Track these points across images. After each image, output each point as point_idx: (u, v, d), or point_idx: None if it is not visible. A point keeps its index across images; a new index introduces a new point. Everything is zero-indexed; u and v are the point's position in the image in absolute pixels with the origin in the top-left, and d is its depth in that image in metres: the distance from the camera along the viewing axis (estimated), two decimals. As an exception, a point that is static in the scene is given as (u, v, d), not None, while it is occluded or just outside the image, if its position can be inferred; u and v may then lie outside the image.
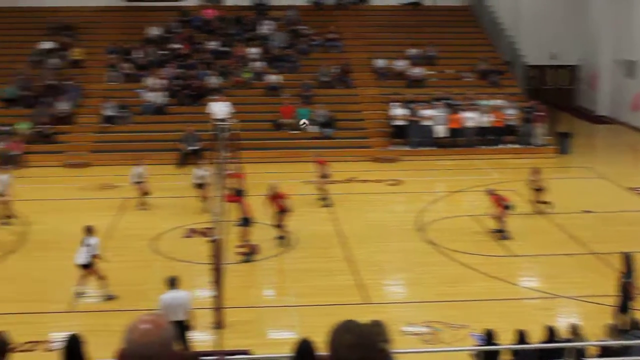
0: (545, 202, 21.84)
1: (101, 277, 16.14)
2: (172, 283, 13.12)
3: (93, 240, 15.97)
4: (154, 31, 34.76)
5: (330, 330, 3.38)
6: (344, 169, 26.22)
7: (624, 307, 13.83)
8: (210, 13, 35.91)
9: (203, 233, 19.82)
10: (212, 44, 34.18)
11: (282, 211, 19.22)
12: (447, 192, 25.42)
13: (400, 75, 33.23)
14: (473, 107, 30.54)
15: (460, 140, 30.16)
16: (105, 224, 21.03)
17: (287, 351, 13.39)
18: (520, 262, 18.72)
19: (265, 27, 35.25)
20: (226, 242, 17.51)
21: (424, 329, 14.39)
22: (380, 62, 33.70)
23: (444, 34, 35.60)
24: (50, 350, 13.80)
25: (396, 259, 18.84)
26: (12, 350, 7.84)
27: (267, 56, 33.74)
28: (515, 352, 11.59)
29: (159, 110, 30.80)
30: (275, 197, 19.23)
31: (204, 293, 15.24)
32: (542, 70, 40.59)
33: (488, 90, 32.33)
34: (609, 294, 14.56)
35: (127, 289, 16.68)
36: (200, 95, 31.16)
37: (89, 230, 16.09)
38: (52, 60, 32.97)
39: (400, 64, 33.59)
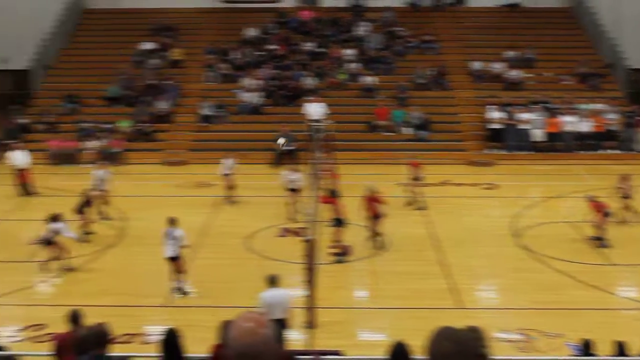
0: (633, 210, 21.12)
1: (182, 271, 16.40)
2: (273, 281, 13.25)
3: (178, 232, 16.22)
4: (251, 32, 35.19)
5: (428, 338, 3.33)
6: (438, 172, 25.99)
7: None
8: (307, 14, 36.13)
9: (297, 233, 19.96)
10: (308, 45, 34.39)
11: (376, 216, 19.09)
12: (544, 198, 24.91)
13: (497, 77, 32.74)
14: (572, 111, 29.86)
15: (558, 144, 29.52)
16: (200, 222, 21.42)
17: (379, 353, 13.39)
18: (619, 271, 18.21)
19: (362, 29, 35.26)
20: (319, 242, 17.60)
21: (518, 337, 14.13)
22: (476, 65, 33.29)
23: (543, 36, 34.88)
24: (146, 343, 14.12)
25: (490, 264, 18.57)
26: (112, 341, 8.07)
27: (363, 57, 33.74)
28: (614, 364, 11.25)
29: (255, 110, 31.17)
30: (371, 201, 19.08)
31: (297, 292, 15.31)
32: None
33: (588, 93, 31.56)
34: None
35: (221, 286, 16.93)
36: (296, 96, 31.39)
37: (173, 222, 16.35)
38: (152, 60, 33.76)
39: (498, 67, 33.10)
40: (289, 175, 21.99)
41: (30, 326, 14.77)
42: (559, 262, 18.09)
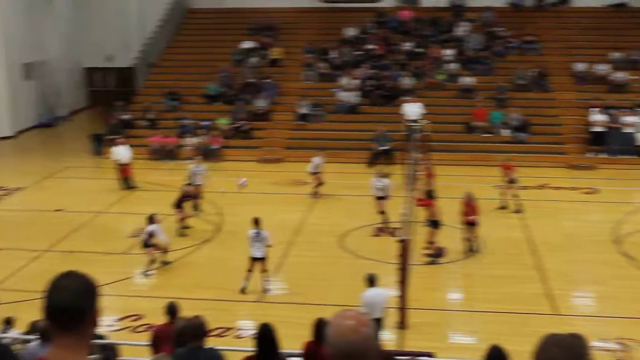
0: None
1: (265, 270, 16.54)
2: (372, 281, 13.26)
3: (264, 233, 16.37)
4: (350, 32, 35.25)
5: (537, 344, 3.28)
6: (536, 175, 25.51)
7: None
8: (406, 14, 35.97)
9: (391, 233, 19.91)
10: (407, 45, 34.22)
11: (471, 223, 18.74)
12: (647, 204, 24.14)
13: (601, 79, 31.87)
14: (679, 115, 28.83)
15: (664, 149, 28.56)
16: (294, 219, 21.61)
17: (470, 356, 13.24)
18: None
19: (461, 29, 34.89)
20: (413, 243, 17.52)
21: (616, 346, 13.74)
22: (580, 66, 32.48)
23: (651, 37, 33.80)
24: (239, 337, 14.33)
25: (588, 271, 18.11)
26: (208, 334, 8.20)
27: (462, 58, 33.37)
28: None
29: (352, 109, 31.21)
30: (468, 206, 18.71)
31: (389, 293, 15.26)
32: None
33: (696, 97, 30.40)
34: None
35: (314, 284, 17.04)
36: (393, 96, 31.28)
37: (257, 223, 16.50)
38: (252, 59, 34.20)
39: (602, 68, 32.21)
40: (376, 181, 21.26)
41: (128, 316, 15.18)
42: (661, 271, 17.52)
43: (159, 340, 9.74)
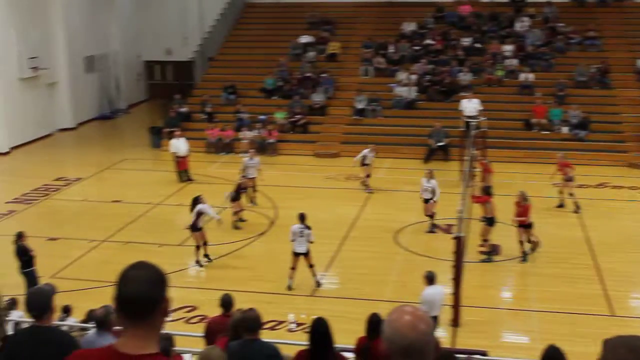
0: None
1: (311, 264, 16.56)
2: (432, 279, 13.20)
3: (308, 229, 16.36)
4: (409, 27, 35.07)
5: (603, 345, 3.22)
6: (595, 173, 25.11)
7: None
8: (466, 9, 35.66)
9: (446, 229, 19.80)
10: (466, 41, 33.93)
11: (525, 225, 18.19)
12: None
13: (664, 76, 31.22)
14: None
15: None
16: (349, 214, 21.62)
17: (523, 356, 13.11)
18: None
19: (521, 24, 34.45)
20: (468, 240, 17.40)
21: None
22: (642, 63, 31.85)
23: None
24: (292, 331, 14.40)
25: (647, 272, 17.77)
26: (262, 327, 8.25)
27: (521, 54, 32.96)
28: None
29: (409, 105, 31.06)
30: (520, 207, 18.20)
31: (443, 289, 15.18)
32: None
33: None
34: None
35: (368, 279, 17.05)
36: (451, 92, 31.06)
37: (303, 218, 16.50)
38: (309, 53, 34.26)
39: (666, 65, 31.55)
40: (425, 182, 20.56)
41: (183, 307, 15.36)
42: None
43: (213, 331, 9.82)
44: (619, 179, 25.32)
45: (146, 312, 3.18)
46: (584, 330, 14.14)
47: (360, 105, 30.92)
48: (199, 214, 17.83)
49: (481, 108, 27.66)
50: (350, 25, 36.25)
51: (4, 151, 29.87)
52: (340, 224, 20.70)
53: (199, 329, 10.76)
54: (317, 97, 31.60)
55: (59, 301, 13.20)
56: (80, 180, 25.99)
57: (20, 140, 30.94)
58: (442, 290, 13.44)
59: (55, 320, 10.58)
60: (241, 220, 20.93)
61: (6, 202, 23.36)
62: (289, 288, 16.47)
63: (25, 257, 15.57)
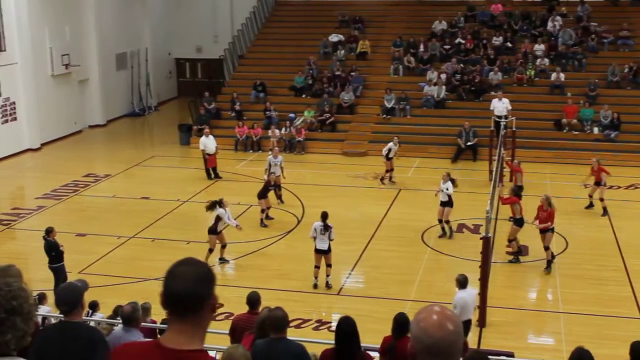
0: None
1: (329, 264, 16.52)
2: (464, 283, 13.07)
3: (330, 226, 16.30)
4: (440, 25, 34.92)
5: (631, 347, 3.19)
6: (626, 175, 24.83)
7: None
8: (498, 8, 35.45)
9: (473, 229, 19.71)
10: (497, 40, 33.72)
11: (543, 230, 17.49)
12: None
13: (698, 77, 30.81)
14: None
15: None
16: (376, 213, 21.58)
17: (549, 357, 13.02)
18: None
19: (553, 23, 34.16)
20: (496, 241, 17.30)
21: None
22: (676, 63, 31.45)
23: None
24: (318, 330, 14.41)
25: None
26: (288, 325, 8.25)
27: (553, 53, 32.70)
28: None
29: (438, 104, 30.94)
30: (544, 212, 17.44)
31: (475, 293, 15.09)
32: None
33: None
34: None
35: (394, 278, 17.01)
36: (481, 91, 30.89)
37: (326, 217, 16.40)
38: (339, 51, 34.25)
39: (700, 66, 31.12)
40: (442, 184, 19.53)
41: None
42: None
43: (238, 329, 9.84)
44: (650, 180, 25.04)
45: (193, 309, 3.19)
46: (612, 333, 14.00)
47: (389, 104, 30.84)
48: (218, 219, 17.78)
49: (511, 108, 27.52)
50: (381, 24, 36.19)
51: (35, 147, 30.18)
52: (367, 223, 20.68)
53: (225, 326, 10.77)
54: (346, 96, 31.56)
55: (86, 297, 13.35)
56: (109, 176, 26.19)
57: (51, 137, 31.25)
58: (474, 293, 13.34)
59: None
60: (269, 218, 20.97)
61: (36, 198, 23.62)
62: (315, 287, 16.48)
63: (54, 253, 15.73)
